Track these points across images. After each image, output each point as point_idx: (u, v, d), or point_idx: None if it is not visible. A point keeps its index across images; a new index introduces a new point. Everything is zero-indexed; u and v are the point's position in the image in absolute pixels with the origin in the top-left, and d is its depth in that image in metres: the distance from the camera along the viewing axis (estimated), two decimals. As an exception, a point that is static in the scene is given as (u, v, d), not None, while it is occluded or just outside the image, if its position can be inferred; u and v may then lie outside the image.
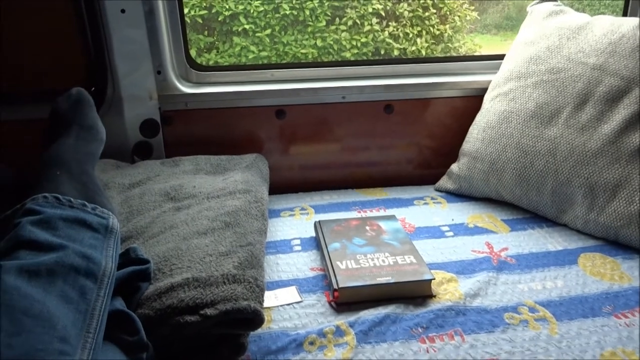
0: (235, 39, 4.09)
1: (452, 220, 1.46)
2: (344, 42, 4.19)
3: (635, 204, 1.28)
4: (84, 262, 0.85)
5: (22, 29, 1.46)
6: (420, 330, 1.01)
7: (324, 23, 4.17)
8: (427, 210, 1.53)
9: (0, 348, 0.68)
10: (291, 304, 1.10)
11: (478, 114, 1.63)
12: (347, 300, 1.09)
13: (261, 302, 0.94)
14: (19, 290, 0.75)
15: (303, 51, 4.15)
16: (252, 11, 4.06)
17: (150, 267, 1.01)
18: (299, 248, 1.32)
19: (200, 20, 4.06)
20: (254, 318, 0.90)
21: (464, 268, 1.22)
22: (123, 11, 1.47)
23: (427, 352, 0.96)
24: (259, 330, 0.99)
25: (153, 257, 1.05)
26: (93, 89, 1.52)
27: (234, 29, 4.08)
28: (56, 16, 1.48)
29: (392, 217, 1.39)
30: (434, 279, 1.13)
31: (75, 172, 1.06)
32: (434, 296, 1.12)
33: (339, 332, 1.00)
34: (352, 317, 1.04)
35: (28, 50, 1.49)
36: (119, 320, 0.86)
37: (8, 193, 1.32)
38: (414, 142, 1.77)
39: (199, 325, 0.88)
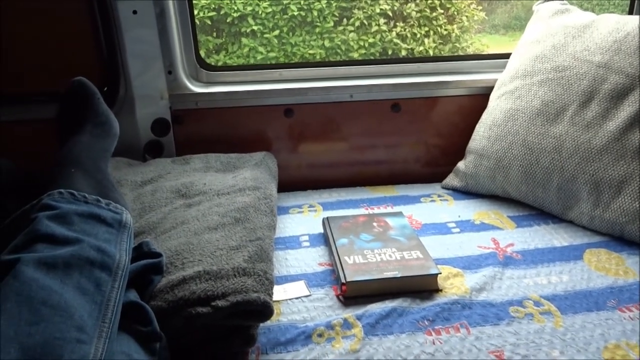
0: (244, 40, 4.11)
1: (459, 217, 1.47)
2: (351, 43, 4.20)
3: (640, 200, 1.29)
4: (99, 255, 0.87)
5: (35, 30, 1.49)
6: (426, 323, 1.03)
7: (331, 24, 4.18)
8: (434, 207, 1.55)
9: (21, 336, 0.70)
10: (300, 297, 1.12)
11: (484, 112, 1.64)
12: (354, 294, 1.11)
13: (270, 295, 0.96)
14: (38, 281, 0.77)
15: (311, 52, 4.17)
16: (260, 12, 4.08)
17: (162, 261, 1.03)
18: (307, 244, 1.35)
19: (209, 22, 4.09)
20: (264, 310, 0.92)
21: (470, 263, 1.24)
22: (135, 12, 1.50)
23: (433, 343, 0.98)
24: (269, 323, 1.01)
25: (165, 251, 1.07)
26: (106, 88, 1.55)
27: (243, 30, 4.10)
28: (69, 17, 1.51)
29: (399, 214, 1.41)
30: (440, 273, 1.14)
31: (90, 169, 1.08)
32: (440, 290, 1.13)
33: (346, 324, 1.02)
34: (360, 310, 1.06)
35: (42, 51, 1.52)
36: (133, 312, 0.89)
37: (11, 188, 1.34)
38: (421, 140, 1.79)
39: (210, 317, 0.90)
